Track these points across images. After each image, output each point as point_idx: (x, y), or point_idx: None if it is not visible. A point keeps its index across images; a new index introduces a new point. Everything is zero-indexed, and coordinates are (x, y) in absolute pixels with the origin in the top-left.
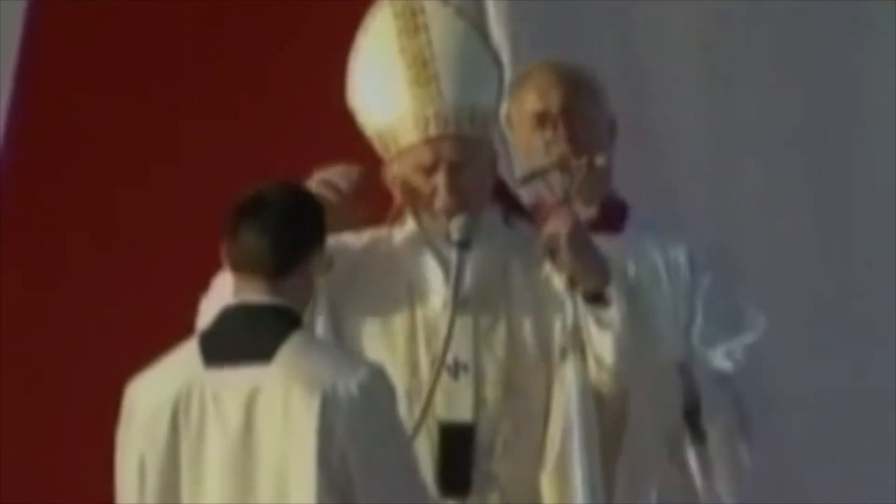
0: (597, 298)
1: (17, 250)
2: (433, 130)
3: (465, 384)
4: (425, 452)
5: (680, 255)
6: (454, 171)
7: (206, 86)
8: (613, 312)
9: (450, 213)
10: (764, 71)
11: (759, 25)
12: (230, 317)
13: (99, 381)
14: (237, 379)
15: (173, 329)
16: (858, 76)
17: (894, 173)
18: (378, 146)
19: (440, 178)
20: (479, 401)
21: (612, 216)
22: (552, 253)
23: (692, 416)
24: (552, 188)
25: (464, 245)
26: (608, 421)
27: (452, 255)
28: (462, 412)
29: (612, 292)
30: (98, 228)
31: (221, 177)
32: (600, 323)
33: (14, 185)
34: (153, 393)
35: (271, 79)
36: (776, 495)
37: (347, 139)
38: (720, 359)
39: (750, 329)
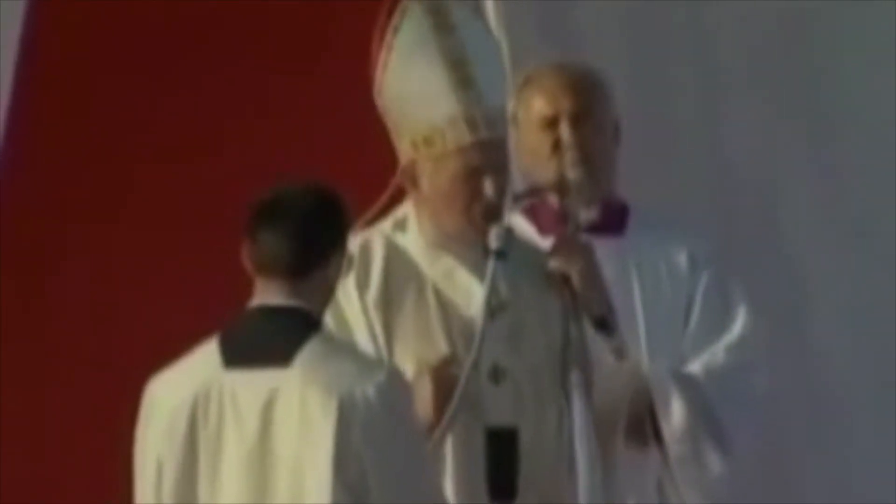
0: (599, 323)
1: (17, 250)
2: (485, 133)
3: (506, 389)
4: (475, 458)
5: (681, 256)
6: (499, 174)
7: (208, 84)
8: (621, 341)
9: (493, 217)
10: (762, 70)
11: (757, 25)
12: (250, 319)
13: (99, 381)
14: (255, 381)
15: (174, 329)
16: (859, 76)
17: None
18: (410, 147)
19: (489, 182)
20: (519, 405)
21: (613, 218)
22: (562, 281)
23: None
24: (550, 204)
25: (501, 254)
26: (608, 430)
27: (489, 263)
28: (506, 416)
29: (617, 321)
30: (99, 228)
31: (224, 176)
32: (610, 349)
33: (14, 183)
34: (172, 393)
35: (276, 78)
36: (775, 495)
37: (363, 137)
38: (696, 364)
39: (737, 328)
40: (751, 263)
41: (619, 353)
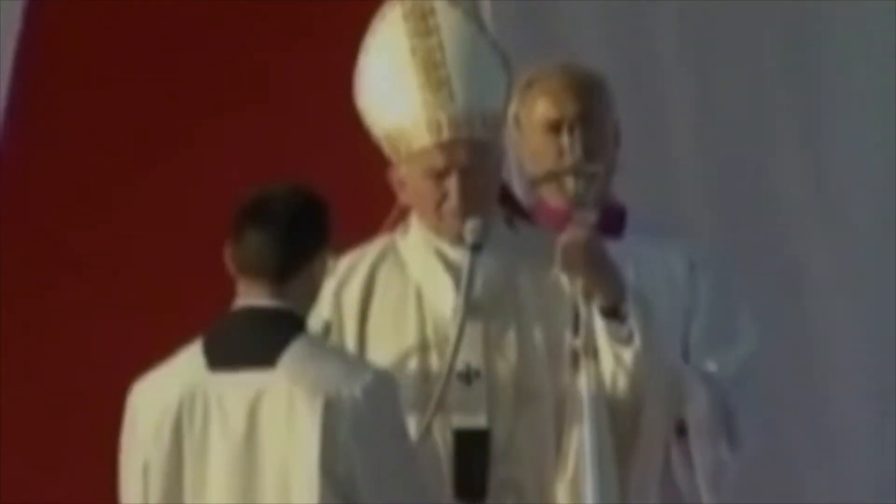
0: (611, 312)
1: (17, 249)
2: (446, 135)
3: (478, 390)
4: (441, 458)
5: (678, 261)
6: (466, 176)
7: (207, 83)
8: (630, 329)
9: (460, 218)
10: (758, 68)
11: (753, 24)
12: (234, 320)
13: (99, 381)
14: (241, 383)
15: (174, 328)
16: (857, 74)
17: (894, 160)
18: (386, 148)
19: (452, 183)
20: (492, 406)
21: (611, 221)
22: (568, 266)
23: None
24: (565, 192)
25: (476, 248)
26: (622, 427)
27: (465, 258)
28: (476, 418)
29: (629, 308)
30: (98, 228)
31: (223, 174)
32: (618, 339)
33: (14, 182)
34: (157, 396)
35: (276, 77)
36: (775, 495)
37: (354, 140)
38: (710, 365)
39: (744, 342)
40: (749, 263)
41: (626, 341)
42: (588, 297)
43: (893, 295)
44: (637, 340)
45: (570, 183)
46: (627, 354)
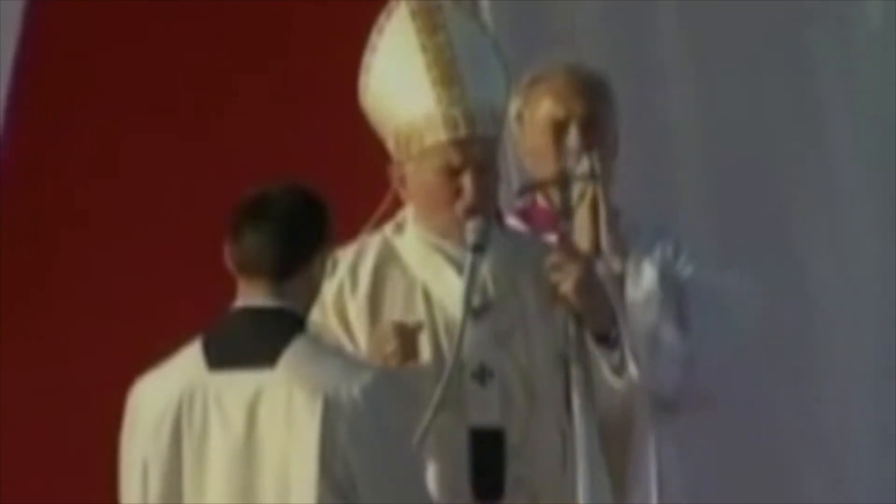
0: (602, 337)
1: (17, 250)
2: (463, 131)
3: (492, 390)
4: (458, 457)
5: (668, 252)
6: (481, 173)
7: (208, 83)
8: (622, 354)
9: (474, 215)
10: (759, 69)
11: (754, 24)
12: (234, 320)
13: (99, 380)
14: (240, 382)
15: (174, 328)
16: (858, 75)
17: (894, 162)
18: (394, 146)
19: (468, 180)
20: (506, 405)
21: None
22: (560, 296)
23: None
24: (551, 201)
25: (478, 248)
26: (616, 428)
27: (467, 257)
28: (491, 417)
29: (619, 332)
30: (98, 228)
31: (224, 174)
32: (611, 364)
33: (14, 183)
34: (156, 396)
35: (277, 77)
36: (774, 495)
37: (354, 137)
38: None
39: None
40: (751, 266)
41: (618, 370)
42: (579, 322)
43: (894, 295)
44: (630, 367)
45: (555, 195)
46: (621, 379)
